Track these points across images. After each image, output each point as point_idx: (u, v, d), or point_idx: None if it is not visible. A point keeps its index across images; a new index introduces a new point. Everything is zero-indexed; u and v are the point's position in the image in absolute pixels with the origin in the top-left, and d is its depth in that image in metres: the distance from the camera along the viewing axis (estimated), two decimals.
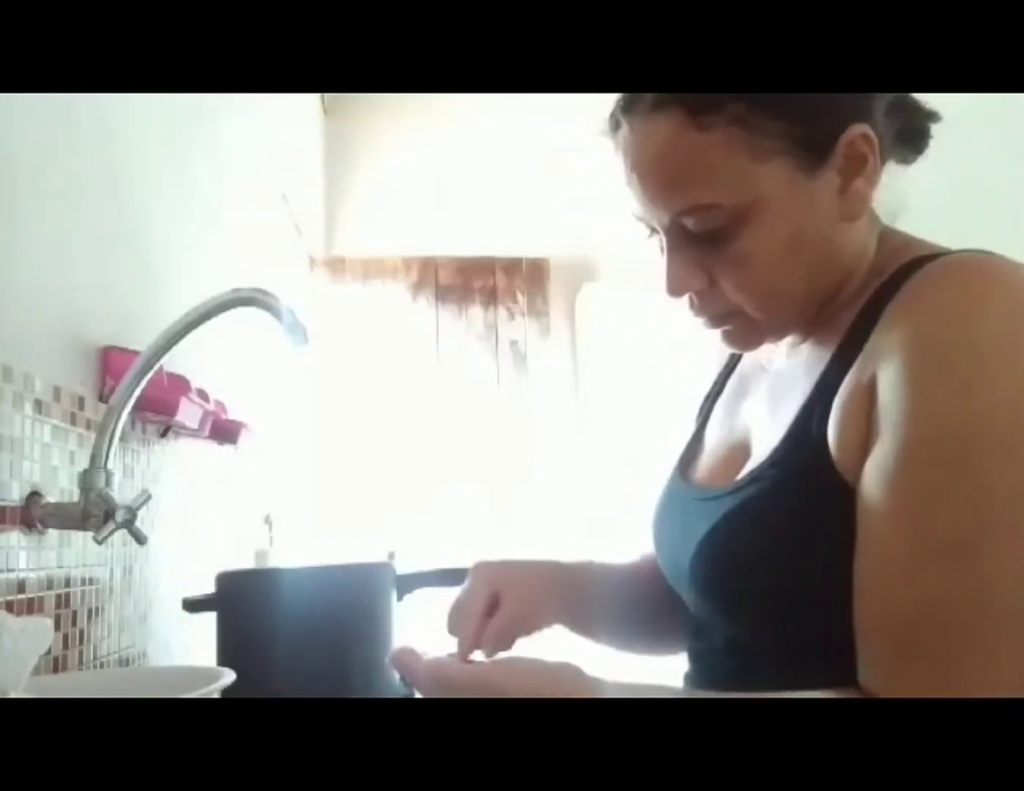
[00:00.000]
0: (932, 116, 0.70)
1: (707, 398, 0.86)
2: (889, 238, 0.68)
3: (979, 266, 0.57)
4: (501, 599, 0.75)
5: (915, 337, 0.56)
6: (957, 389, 0.53)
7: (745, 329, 0.68)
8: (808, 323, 0.69)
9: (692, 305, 0.68)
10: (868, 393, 0.58)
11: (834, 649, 0.57)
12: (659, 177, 0.64)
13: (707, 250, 0.64)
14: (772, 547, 0.62)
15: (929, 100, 0.69)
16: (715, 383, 0.86)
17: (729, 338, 0.69)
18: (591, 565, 0.87)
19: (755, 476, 0.65)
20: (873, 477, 0.56)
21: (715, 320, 0.68)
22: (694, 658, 0.75)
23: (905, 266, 0.62)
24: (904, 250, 0.64)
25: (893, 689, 0.53)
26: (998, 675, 0.51)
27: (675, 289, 0.66)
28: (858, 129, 0.62)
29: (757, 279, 0.64)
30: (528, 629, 0.76)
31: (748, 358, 0.81)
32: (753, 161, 0.61)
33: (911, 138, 0.69)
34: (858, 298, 0.65)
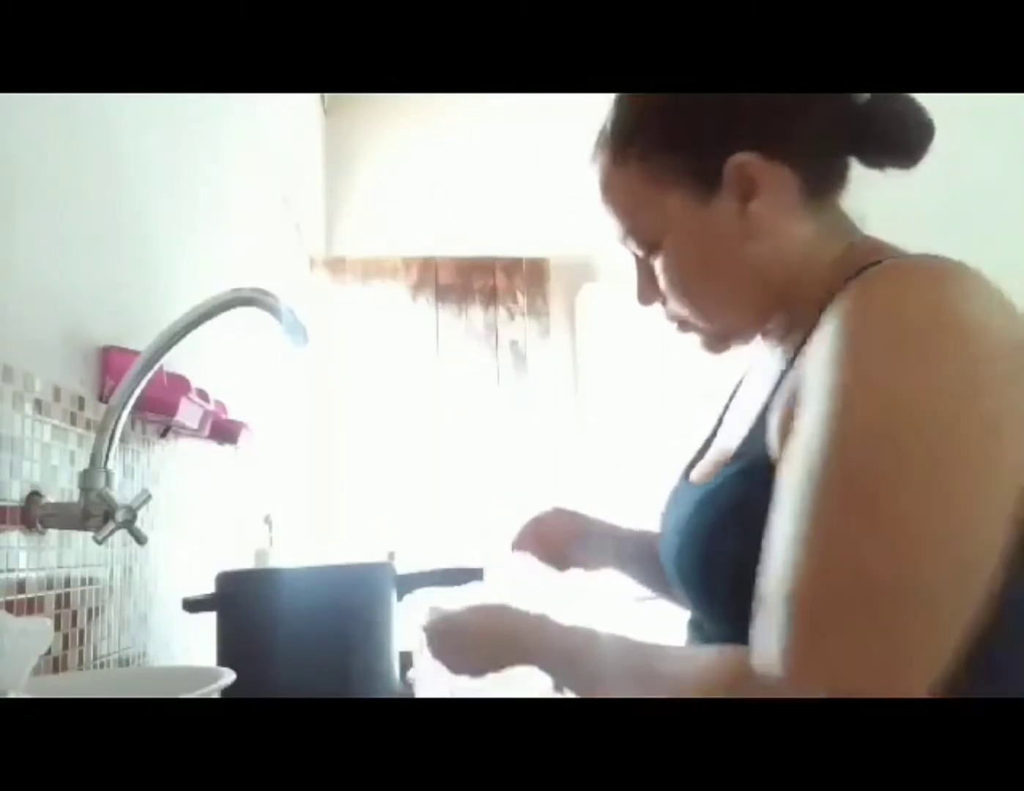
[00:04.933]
0: (905, 127, 0.69)
1: (726, 403, 0.89)
2: (860, 247, 0.68)
3: (909, 269, 0.58)
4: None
5: (833, 329, 0.57)
6: (864, 372, 0.54)
7: (704, 336, 0.75)
8: (760, 328, 0.73)
9: (664, 313, 0.76)
10: (796, 390, 0.60)
11: None
12: (603, 206, 0.73)
13: (652, 269, 0.72)
14: (722, 535, 0.65)
15: (904, 110, 0.68)
16: (734, 388, 0.89)
17: (700, 343, 0.76)
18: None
19: (720, 470, 0.70)
20: (789, 454, 0.57)
21: (680, 327, 0.76)
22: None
23: (856, 272, 0.62)
24: (868, 257, 0.64)
25: (794, 663, 0.52)
26: (907, 654, 0.51)
27: (639, 299, 0.76)
28: (741, 158, 0.66)
29: (684, 296, 0.71)
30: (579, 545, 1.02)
31: (752, 361, 0.83)
32: (658, 193, 0.69)
33: (884, 151, 0.69)
34: (817, 303, 0.65)
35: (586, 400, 3.20)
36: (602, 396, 3.14)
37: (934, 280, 0.57)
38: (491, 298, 3.23)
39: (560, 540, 1.05)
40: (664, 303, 0.74)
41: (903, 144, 0.68)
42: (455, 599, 1.15)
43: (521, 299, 3.23)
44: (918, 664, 0.51)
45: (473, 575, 1.16)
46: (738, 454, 0.68)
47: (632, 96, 0.71)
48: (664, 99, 0.68)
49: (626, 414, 3.07)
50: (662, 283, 0.72)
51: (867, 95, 0.67)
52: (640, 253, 0.73)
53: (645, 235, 0.71)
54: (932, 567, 0.51)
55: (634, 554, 0.99)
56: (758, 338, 0.76)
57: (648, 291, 0.74)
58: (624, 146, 0.69)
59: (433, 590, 1.14)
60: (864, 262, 0.63)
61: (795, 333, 0.68)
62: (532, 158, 3.32)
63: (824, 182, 0.69)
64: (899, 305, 0.55)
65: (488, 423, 3.12)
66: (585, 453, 3.13)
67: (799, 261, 0.68)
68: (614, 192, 0.72)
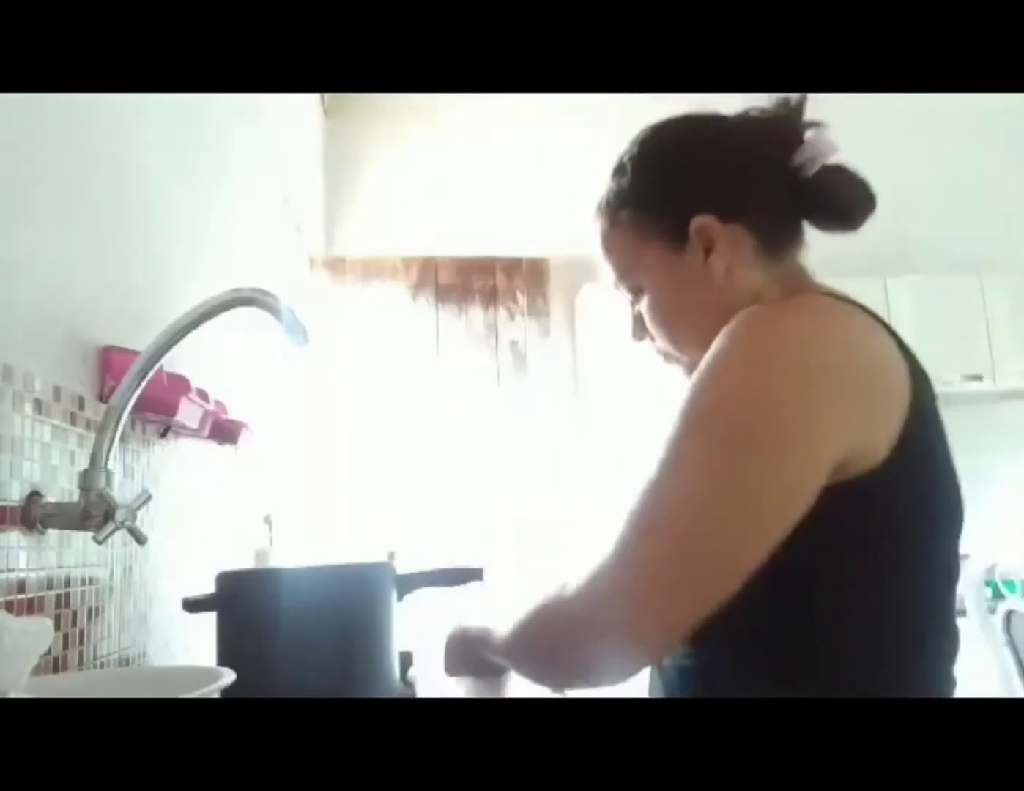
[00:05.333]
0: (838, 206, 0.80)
1: None
2: (785, 293, 0.79)
3: (749, 318, 0.71)
4: None
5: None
6: (707, 382, 0.69)
7: (686, 365, 0.86)
8: None
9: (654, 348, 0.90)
10: None
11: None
12: (602, 257, 0.89)
13: (641, 311, 0.88)
14: None
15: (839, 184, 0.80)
16: None
17: (684, 373, 0.87)
18: None
19: None
20: None
21: (665, 359, 0.89)
22: None
23: None
24: (776, 299, 0.78)
25: (584, 587, 0.66)
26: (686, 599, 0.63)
27: (632, 336, 0.91)
28: (701, 220, 0.80)
29: (662, 331, 0.86)
30: None
31: None
32: (641, 248, 0.84)
33: (829, 218, 0.81)
34: None
35: (586, 400, 3.20)
36: (602, 396, 3.14)
37: (779, 318, 0.71)
38: (491, 298, 3.23)
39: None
40: (653, 339, 0.89)
41: (846, 213, 0.80)
42: (455, 599, 1.16)
43: (521, 299, 3.23)
44: (688, 605, 0.63)
45: (473, 575, 1.16)
46: None
47: (623, 174, 0.85)
48: (647, 175, 0.84)
49: (626, 414, 3.07)
50: (646, 321, 0.86)
51: (815, 168, 0.79)
52: (630, 296, 0.88)
53: (632, 281, 0.86)
54: (732, 525, 0.63)
55: None
56: None
57: (638, 329, 0.90)
58: (616, 211, 0.86)
59: (433, 590, 1.14)
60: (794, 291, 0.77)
61: None
62: (532, 158, 3.32)
63: (777, 240, 0.82)
64: (742, 334, 0.70)
65: (488, 423, 3.12)
66: (585, 453, 3.13)
67: (749, 303, 0.78)
68: (609, 247, 0.88)
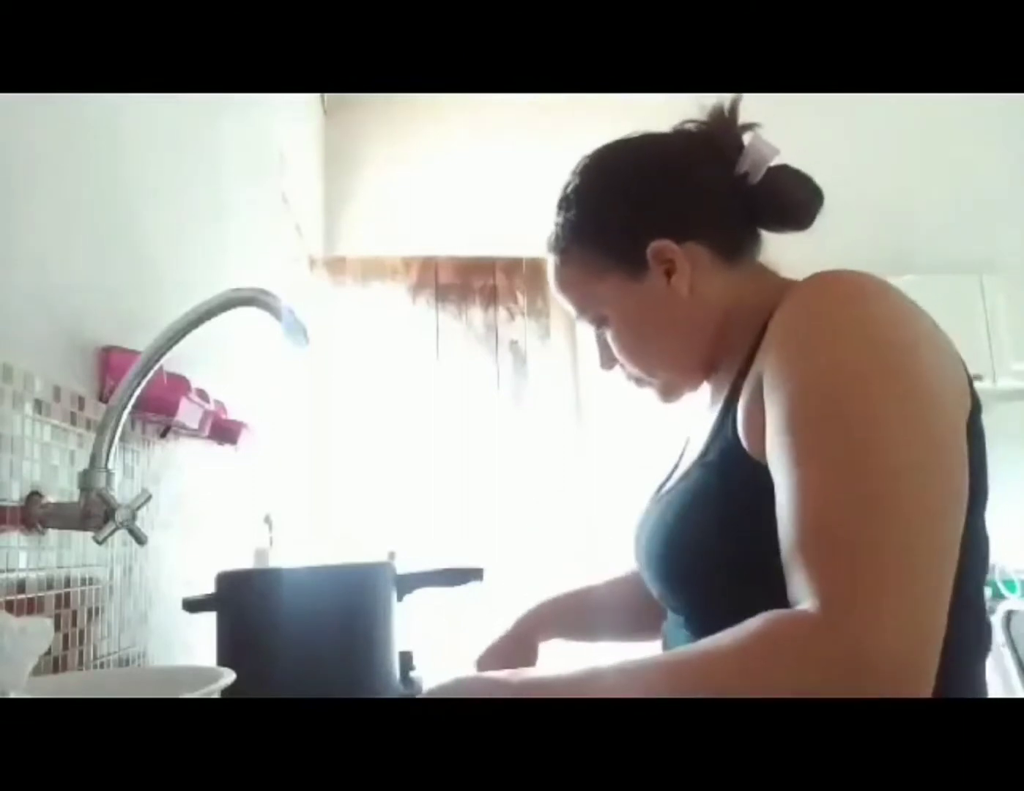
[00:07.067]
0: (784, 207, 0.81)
1: (681, 448, 0.97)
2: (772, 281, 0.81)
3: (828, 276, 0.69)
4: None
5: (782, 331, 0.68)
6: (810, 355, 0.65)
7: (658, 387, 0.88)
8: (704, 370, 0.85)
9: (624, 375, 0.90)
10: (759, 386, 0.69)
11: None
12: (558, 294, 0.88)
13: (607, 340, 0.87)
14: (700, 527, 0.72)
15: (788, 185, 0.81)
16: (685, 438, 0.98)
17: (656, 395, 0.89)
18: (591, 590, 1.09)
19: (684, 474, 0.80)
20: (771, 435, 0.65)
21: (636, 383, 0.90)
22: (663, 636, 0.87)
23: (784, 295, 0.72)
24: (785, 283, 0.76)
25: (833, 597, 0.56)
26: (907, 573, 0.56)
27: (601, 366, 0.90)
28: (658, 245, 0.80)
29: (631, 358, 0.85)
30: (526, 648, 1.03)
31: (696, 407, 0.92)
32: (596, 280, 0.83)
33: (778, 220, 0.82)
34: (752, 330, 0.76)
35: (586, 399, 3.20)
36: (602, 395, 3.14)
37: (839, 281, 0.69)
38: (491, 298, 3.22)
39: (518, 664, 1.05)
40: (622, 367, 0.88)
41: (797, 213, 0.81)
42: (455, 599, 1.16)
43: (521, 299, 3.23)
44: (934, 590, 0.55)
45: (473, 575, 1.16)
46: (704, 454, 0.77)
47: (569, 208, 0.84)
48: (594, 206, 0.83)
49: (626, 414, 3.07)
50: (615, 350, 0.85)
51: (760, 173, 0.80)
52: (594, 327, 0.87)
53: (593, 313, 0.86)
54: (920, 482, 0.58)
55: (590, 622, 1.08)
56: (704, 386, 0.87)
57: (606, 358, 0.89)
58: (568, 247, 0.85)
59: (433, 590, 1.14)
60: (784, 285, 0.74)
61: (735, 357, 0.78)
62: (533, 158, 3.32)
63: (735, 249, 0.82)
64: (823, 299, 0.67)
65: (488, 423, 3.12)
66: (585, 453, 3.13)
67: (726, 308, 0.81)
68: (565, 284, 0.87)
